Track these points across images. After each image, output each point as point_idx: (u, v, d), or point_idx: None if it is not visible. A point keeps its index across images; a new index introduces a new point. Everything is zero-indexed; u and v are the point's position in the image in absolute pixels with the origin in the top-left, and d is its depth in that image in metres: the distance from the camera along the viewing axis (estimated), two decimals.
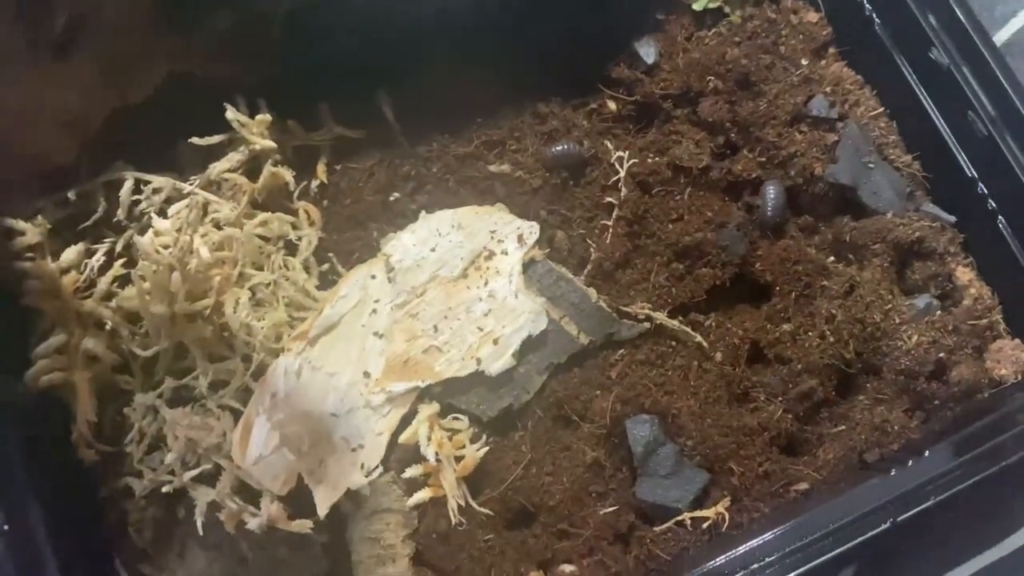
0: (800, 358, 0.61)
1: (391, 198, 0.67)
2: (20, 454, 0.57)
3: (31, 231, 0.61)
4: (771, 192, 0.65)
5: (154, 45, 0.61)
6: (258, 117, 0.62)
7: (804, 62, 0.69)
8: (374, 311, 0.61)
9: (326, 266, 0.64)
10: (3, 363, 0.60)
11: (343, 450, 0.58)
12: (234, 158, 0.62)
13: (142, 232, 0.61)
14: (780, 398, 0.61)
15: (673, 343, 0.62)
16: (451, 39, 0.67)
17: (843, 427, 0.61)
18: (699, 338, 0.62)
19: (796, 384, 0.61)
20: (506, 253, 0.63)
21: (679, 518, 0.58)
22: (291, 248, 0.64)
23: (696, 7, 0.70)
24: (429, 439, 0.59)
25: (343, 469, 0.58)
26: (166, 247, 0.60)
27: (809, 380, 0.61)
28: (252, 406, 0.59)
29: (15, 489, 0.56)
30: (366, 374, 0.59)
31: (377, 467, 0.58)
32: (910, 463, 0.57)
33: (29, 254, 0.61)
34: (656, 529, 0.59)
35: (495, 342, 0.60)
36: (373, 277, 0.62)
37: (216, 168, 0.62)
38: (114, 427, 0.61)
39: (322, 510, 0.57)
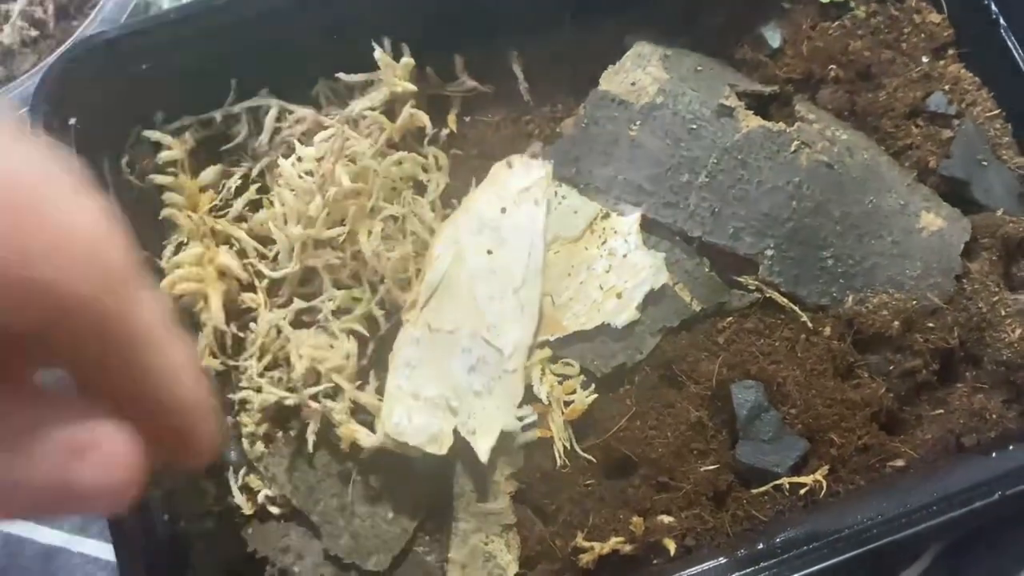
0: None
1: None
2: None
3: (176, 146, 0.64)
4: None
5: None
6: (403, 61, 0.64)
7: (924, 60, 0.71)
8: (470, 259, 0.62)
9: (448, 211, 0.66)
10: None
11: (485, 397, 0.60)
12: (375, 98, 0.64)
13: (285, 157, 0.63)
14: (883, 376, 0.62)
15: (781, 316, 0.64)
16: (582, 5, 0.70)
17: (941, 410, 0.62)
18: (805, 317, 0.63)
19: (899, 364, 0.62)
20: (622, 214, 0.65)
21: (777, 482, 0.60)
22: (419, 189, 0.66)
23: None
24: (541, 380, 0.61)
25: (491, 414, 0.59)
26: (308, 173, 0.62)
27: (913, 360, 0.62)
28: (391, 382, 0.61)
29: None
30: (488, 327, 0.61)
31: (523, 404, 0.60)
32: (1011, 448, 0.59)
33: (171, 169, 0.64)
34: (753, 491, 0.60)
35: (619, 296, 0.62)
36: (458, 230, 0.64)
37: (358, 105, 0.64)
38: (234, 343, 0.64)
39: (484, 456, 0.58)
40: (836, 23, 0.72)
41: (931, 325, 0.63)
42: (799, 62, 0.70)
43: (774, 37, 0.71)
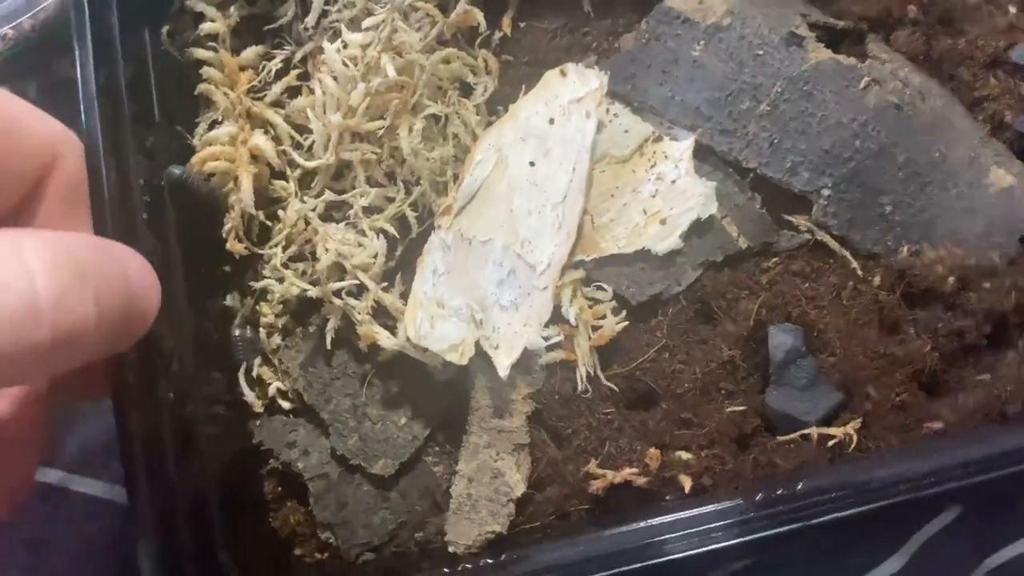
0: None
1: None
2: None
3: (219, 19, 0.61)
4: None
5: None
6: None
7: (1012, 9, 0.66)
8: (511, 169, 0.60)
9: (493, 118, 0.64)
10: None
11: (511, 312, 0.58)
12: None
13: (331, 43, 0.60)
14: (930, 334, 0.60)
15: (830, 260, 0.61)
16: None
17: (987, 376, 0.59)
18: (855, 264, 0.60)
19: (949, 322, 0.59)
20: (676, 138, 0.62)
21: (805, 431, 0.58)
22: (465, 92, 0.63)
23: None
24: (571, 302, 0.59)
25: (516, 330, 0.57)
26: (353, 60, 0.59)
27: (964, 320, 0.59)
28: (417, 286, 0.59)
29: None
30: (522, 242, 0.59)
31: (550, 324, 0.58)
32: None
33: (212, 43, 0.62)
34: (779, 439, 0.58)
35: (662, 222, 0.59)
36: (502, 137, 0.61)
37: None
38: (260, 232, 0.62)
39: (504, 371, 0.56)
40: None
41: (987, 286, 0.59)
42: None
43: None
